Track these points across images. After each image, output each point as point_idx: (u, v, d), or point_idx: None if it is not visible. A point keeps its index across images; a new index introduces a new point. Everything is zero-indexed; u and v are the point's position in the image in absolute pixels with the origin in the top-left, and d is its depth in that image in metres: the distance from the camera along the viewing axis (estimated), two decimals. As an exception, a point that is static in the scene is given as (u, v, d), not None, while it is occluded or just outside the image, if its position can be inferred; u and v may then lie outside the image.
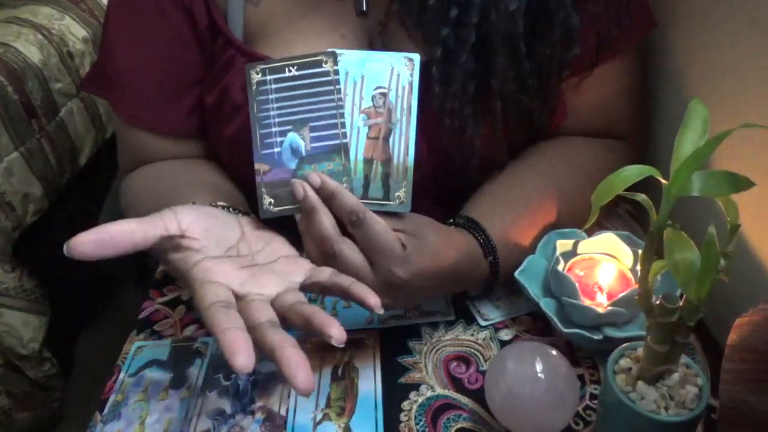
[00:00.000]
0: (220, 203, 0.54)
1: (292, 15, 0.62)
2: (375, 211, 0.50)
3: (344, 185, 0.51)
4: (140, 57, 0.64)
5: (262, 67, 0.52)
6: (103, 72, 0.66)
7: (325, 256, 0.50)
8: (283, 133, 0.52)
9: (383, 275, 0.49)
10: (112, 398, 0.55)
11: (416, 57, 0.52)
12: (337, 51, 0.52)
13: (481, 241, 0.56)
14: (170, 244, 0.46)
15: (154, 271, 0.71)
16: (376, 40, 0.61)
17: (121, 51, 0.64)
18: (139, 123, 0.66)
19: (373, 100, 0.52)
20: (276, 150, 0.52)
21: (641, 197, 0.39)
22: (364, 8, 0.61)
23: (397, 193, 0.52)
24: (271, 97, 0.52)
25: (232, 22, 0.62)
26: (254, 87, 0.52)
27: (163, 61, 0.64)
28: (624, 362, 0.45)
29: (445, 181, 0.63)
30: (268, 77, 0.52)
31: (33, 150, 1.28)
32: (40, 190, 1.30)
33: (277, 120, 0.52)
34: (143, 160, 0.68)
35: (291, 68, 0.52)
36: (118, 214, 0.73)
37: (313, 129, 0.52)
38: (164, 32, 0.63)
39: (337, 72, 0.52)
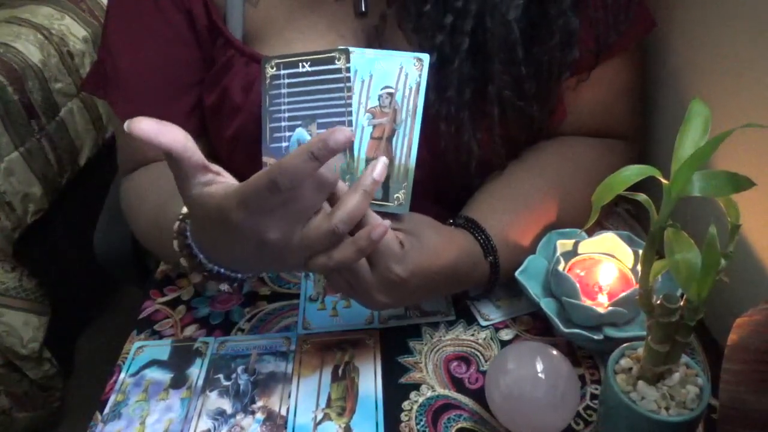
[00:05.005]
0: None
1: (291, 15, 0.62)
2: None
3: (346, 183, 0.51)
4: (140, 57, 0.64)
5: (277, 61, 0.52)
6: (103, 72, 0.66)
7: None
8: (292, 128, 0.52)
9: (381, 273, 0.49)
10: (112, 398, 0.55)
11: (426, 57, 0.51)
12: (350, 49, 0.52)
13: (482, 241, 0.56)
14: (206, 177, 0.46)
15: (154, 271, 0.71)
16: (375, 41, 0.61)
17: (121, 51, 0.64)
18: None
19: (379, 100, 0.52)
20: (284, 144, 0.52)
21: (642, 197, 0.39)
22: (364, 9, 0.61)
23: (396, 195, 0.52)
24: (283, 91, 0.52)
25: (232, 22, 0.62)
26: (268, 81, 0.52)
27: (162, 61, 0.64)
28: (624, 362, 0.45)
29: (445, 181, 0.63)
30: (282, 72, 0.52)
31: (33, 150, 1.28)
32: (40, 190, 1.30)
33: (287, 114, 0.52)
34: (143, 161, 0.68)
35: (305, 64, 0.51)
36: (119, 215, 0.73)
37: (320, 125, 0.51)
38: (164, 33, 0.62)
39: (348, 69, 0.51)
